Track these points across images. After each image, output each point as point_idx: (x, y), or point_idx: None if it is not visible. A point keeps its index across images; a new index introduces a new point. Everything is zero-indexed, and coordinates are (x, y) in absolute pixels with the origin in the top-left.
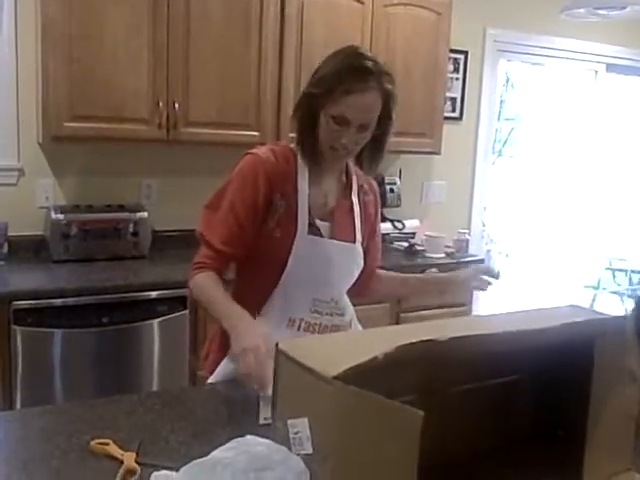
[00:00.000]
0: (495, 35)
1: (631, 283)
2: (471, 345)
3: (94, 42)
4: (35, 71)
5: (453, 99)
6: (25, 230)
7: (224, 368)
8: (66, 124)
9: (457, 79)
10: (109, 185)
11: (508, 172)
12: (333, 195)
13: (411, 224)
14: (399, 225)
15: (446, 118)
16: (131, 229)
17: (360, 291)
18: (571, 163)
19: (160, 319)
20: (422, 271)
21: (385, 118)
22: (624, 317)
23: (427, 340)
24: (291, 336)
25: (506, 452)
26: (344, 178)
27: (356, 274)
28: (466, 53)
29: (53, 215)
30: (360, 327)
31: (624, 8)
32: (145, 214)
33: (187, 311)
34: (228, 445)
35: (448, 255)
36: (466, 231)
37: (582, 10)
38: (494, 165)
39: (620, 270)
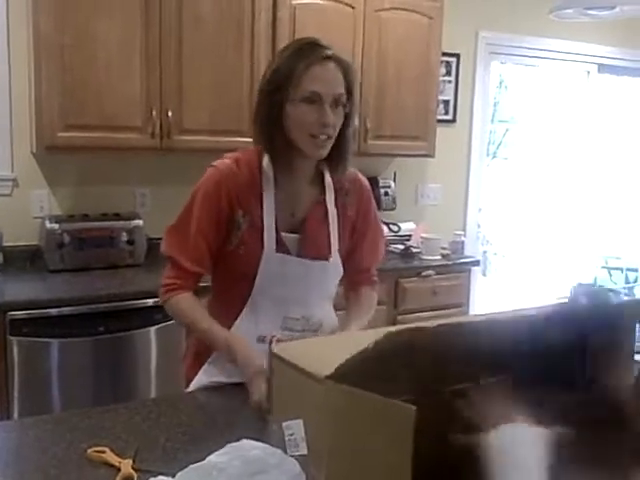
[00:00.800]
0: (487, 38)
1: (627, 281)
2: (461, 335)
3: (86, 52)
4: (28, 81)
5: (446, 102)
6: (20, 240)
7: (201, 379)
8: (59, 134)
9: (450, 82)
10: (104, 194)
11: (503, 174)
12: (304, 202)
13: (407, 227)
14: (395, 228)
15: (439, 121)
16: (126, 237)
17: (347, 291)
18: (565, 163)
19: (157, 327)
20: (418, 273)
21: (349, 99)
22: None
23: (415, 328)
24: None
25: None
26: (316, 183)
27: (333, 286)
28: (458, 56)
29: (48, 225)
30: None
31: (613, 8)
32: (140, 222)
33: None
34: (223, 450)
35: (444, 257)
36: (461, 233)
37: (571, 10)
38: (489, 167)
39: (616, 268)
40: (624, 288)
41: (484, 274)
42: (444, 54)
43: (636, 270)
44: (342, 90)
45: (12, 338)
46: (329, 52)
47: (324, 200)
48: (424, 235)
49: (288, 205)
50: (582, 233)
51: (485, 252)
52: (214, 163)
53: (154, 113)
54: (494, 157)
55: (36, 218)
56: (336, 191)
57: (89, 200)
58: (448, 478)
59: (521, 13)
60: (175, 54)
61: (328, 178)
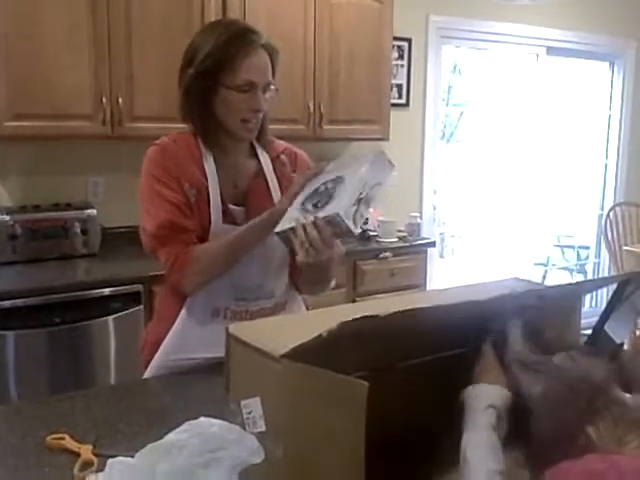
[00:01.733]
0: (437, 22)
1: (579, 258)
2: (415, 319)
3: (32, 40)
4: None
5: (399, 86)
6: None
7: (157, 361)
8: (7, 123)
9: (402, 66)
10: (55, 184)
11: (458, 156)
12: (244, 175)
13: None
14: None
15: (393, 105)
16: (80, 227)
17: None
18: (517, 145)
19: (114, 316)
20: (376, 256)
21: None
22: (559, 286)
23: (369, 316)
24: (217, 326)
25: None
26: (252, 156)
27: (281, 254)
28: (410, 40)
29: None
30: (303, 307)
31: None
32: (93, 211)
33: (142, 306)
34: (182, 427)
35: (400, 239)
36: (417, 215)
37: None
38: (444, 150)
39: (568, 247)
40: (576, 265)
41: (441, 256)
42: (396, 38)
43: (587, 248)
44: (271, 75)
45: None
46: (262, 40)
47: (262, 171)
48: (380, 218)
49: (230, 177)
50: (535, 213)
51: (442, 234)
52: (155, 142)
53: (104, 100)
54: (449, 140)
55: None
56: (273, 161)
57: (41, 191)
58: (401, 452)
59: None
60: (124, 40)
61: (261, 149)
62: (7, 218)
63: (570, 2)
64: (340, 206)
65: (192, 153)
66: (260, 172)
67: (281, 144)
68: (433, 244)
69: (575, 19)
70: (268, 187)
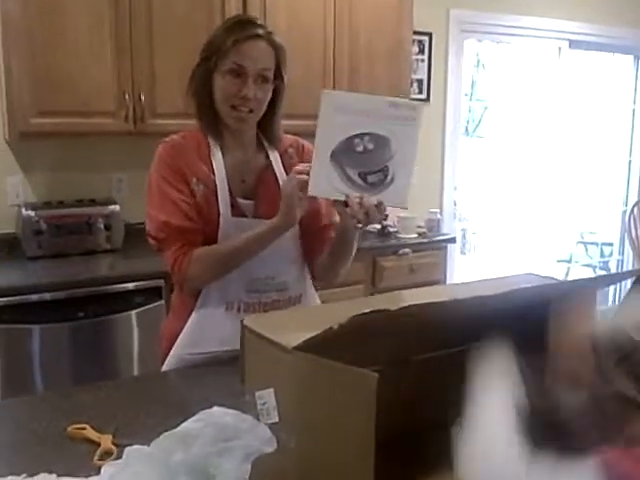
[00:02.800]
0: (458, 16)
1: (602, 255)
2: (425, 313)
3: (56, 37)
4: None
5: (420, 81)
6: None
7: (174, 356)
8: (32, 120)
9: (422, 61)
10: (80, 180)
11: (481, 152)
12: (252, 168)
13: None
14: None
15: (413, 100)
16: (103, 223)
17: (314, 253)
18: (540, 141)
19: (138, 310)
20: (395, 252)
21: (278, 77)
22: (574, 281)
23: (379, 310)
24: (231, 319)
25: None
26: (260, 151)
27: (292, 246)
28: (430, 35)
29: (24, 212)
30: (318, 301)
31: None
32: (117, 207)
33: (163, 301)
34: (196, 417)
35: (420, 235)
36: (437, 210)
37: None
38: (467, 145)
39: (591, 243)
40: (600, 262)
41: (463, 252)
42: (416, 33)
43: (611, 245)
44: (268, 65)
45: None
46: (260, 31)
47: (271, 165)
48: (400, 214)
49: (237, 171)
50: (558, 210)
51: (463, 230)
52: (164, 139)
53: (127, 97)
54: (472, 135)
55: (12, 206)
56: (281, 155)
57: (65, 186)
58: (414, 444)
59: None
60: (146, 37)
61: (267, 143)
62: (32, 214)
63: None
64: (402, 195)
65: (200, 149)
66: (269, 166)
67: (289, 138)
68: (453, 240)
69: (598, 12)
70: (277, 181)
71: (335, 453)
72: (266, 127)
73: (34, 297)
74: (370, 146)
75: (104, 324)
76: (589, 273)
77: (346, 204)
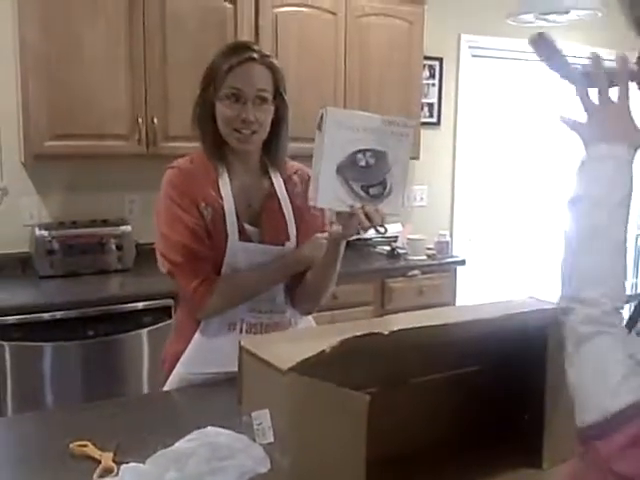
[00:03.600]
0: (470, 41)
1: None
2: (421, 337)
3: (72, 62)
4: (15, 92)
5: (430, 105)
6: (11, 248)
7: (176, 375)
8: (47, 143)
9: (433, 85)
10: (92, 201)
11: (490, 174)
12: (258, 197)
13: (393, 228)
14: (382, 229)
15: (424, 124)
16: (115, 243)
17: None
18: (548, 161)
19: (148, 329)
20: (404, 274)
21: (278, 98)
22: None
23: (371, 333)
24: (233, 340)
25: (472, 440)
26: (265, 177)
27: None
28: (441, 60)
29: (38, 232)
30: (313, 323)
31: (567, 13)
32: (129, 228)
33: (172, 320)
34: (190, 436)
35: (429, 257)
36: (446, 232)
37: (529, 16)
38: (479, 171)
39: None
40: None
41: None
42: (427, 58)
43: None
44: (266, 87)
45: (3, 343)
46: (254, 55)
47: (275, 191)
48: (409, 236)
49: (244, 196)
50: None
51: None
52: (171, 164)
53: (140, 121)
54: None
55: (26, 226)
56: (285, 182)
57: (78, 207)
58: (405, 464)
59: (503, 15)
60: (159, 63)
61: (274, 170)
62: (45, 234)
63: (610, 19)
64: (398, 205)
65: (207, 173)
66: (273, 193)
67: (294, 165)
68: (462, 262)
69: (611, 37)
70: (281, 207)
71: (327, 473)
72: (270, 150)
73: (46, 316)
74: (371, 161)
75: (114, 343)
76: None
77: (349, 214)
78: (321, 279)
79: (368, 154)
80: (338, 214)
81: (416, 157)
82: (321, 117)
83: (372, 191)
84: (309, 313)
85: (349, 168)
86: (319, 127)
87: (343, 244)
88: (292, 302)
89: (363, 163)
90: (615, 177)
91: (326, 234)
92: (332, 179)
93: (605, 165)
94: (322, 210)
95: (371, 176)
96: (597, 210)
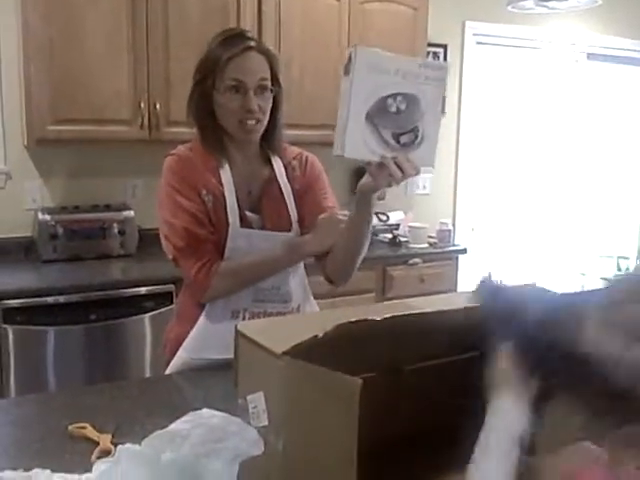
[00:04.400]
0: (474, 27)
1: (619, 269)
2: (414, 323)
3: (74, 46)
4: (18, 76)
5: None
6: (14, 232)
7: (179, 359)
8: (49, 127)
9: None
10: (95, 186)
11: (495, 163)
12: (257, 181)
13: (396, 216)
14: (383, 217)
15: None
16: (117, 228)
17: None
18: (556, 152)
19: (150, 314)
20: (406, 261)
21: (275, 84)
22: (571, 294)
23: (365, 319)
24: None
25: (467, 427)
26: (265, 163)
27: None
28: (445, 47)
29: (40, 216)
30: (318, 310)
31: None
32: (131, 213)
33: (174, 305)
34: (185, 417)
35: (431, 245)
36: (448, 221)
37: (530, 2)
38: (483, 157)
39: (607, 257)
40: (616, 276)
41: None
42: (431, 45)
43: (627, 258)
44: (265, 75)
45: (6, 326)
46: (251, 43)
47: (275, 177)
48: (411, 224)
49: (244, 183)
50: (574, 222)
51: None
52: (171, 152)
53: (142, 106)
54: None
55: (29, 210)
56: (285, 167)
57: (81, 192)
58: (400, 450)
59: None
60: (162, 48)
61: (274, 156)
62: (48, 218)
63: (611, 7)
64: (431, 156)
65: (208, 160)
66: (273, 178)
67: (294, 150)
68: (464, 251)
69: (616, 24)
70: (281, 192)
71: (320, 457)
72: (268, 135)
73: (49, 300)
74: (402, 106)
75: (116, 327)
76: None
77: (379, 164)
78: (353, 240)
79: (399, 99)
80: (368, 164)
81: None
82: (349, 59)
83: (403, 139)
84: (345, 281)
85: (379, 114)
86: (346, 71)
87: (374, 198)
88: (325, 273)
89: (394, 109)
90: None
91: (340, 212)
92: (361, 127)
93: None
94: (325, 187)
95: (402, 123)
96: None
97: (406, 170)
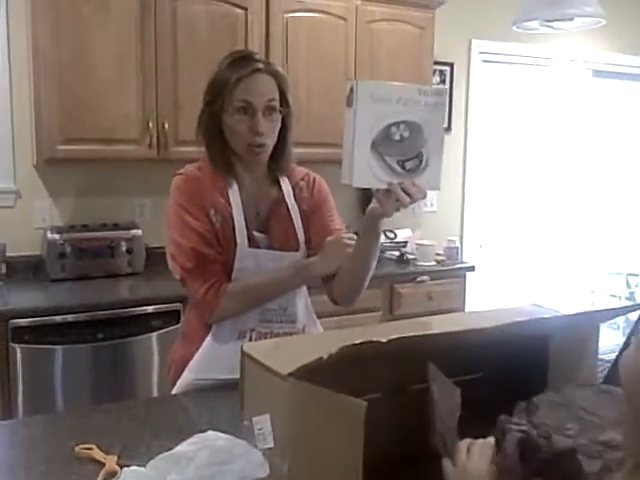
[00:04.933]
0: (481, 46)
1: (628, 286)
2: (421, 345)
3: (84, 67)
4: (28, 96)
5: None
6: (23, 251)
7: (185, 380)
8: (59, 147)
9: None
10: (104, 205)
11: (501, 178)
12: (265, 202)
13: (403, 234)
14: (391, 235)
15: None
16: (125, 247)
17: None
18: (564, 169)
19: (157, 333)
20: (413, 279)
21: (284, 105)
22: (578, 314)
23: (370, 341)
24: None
25: None
26: (273, 184)
27: None
28: (452, 65)
29: (49, 235)
30: (321, 330)
31: (571, 19)
32: (139, 231)
33: (180, 324)
34: (190, 440)
35: (439, 263)
36: (456, 239)
37: (534, 22)
38: (489, 174)
39: (616, 274)
40: (625, 293)
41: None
42: (437, 63)
43: (637, 275)
44: (274, 96)
45: (15, 345)
46: (260, 65)
47: (283, 197)
48: (419, 241)
49: (252, 204)
50: (582, 239)
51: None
52: (179, 171)
53: (151, 125)
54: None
55: (38, 229)
56: (293, 187)
57: (90, 211)
58: (404, 471)
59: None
60: (170, 67)
61: (282, 177)
62: (57, 237)
63: (616, 24)
64: (436, 178)
65: (216, 180)
66: (281, 199)
67: (301, 171)
68: (472, 268)
69: (621, 41)
70: (289, 213)
71: (325, 479)
72: (277, 156)
73: (57, 318)
74: (406, 134)
75: (123, 346)
76: (614, 304)
77: (387, 191)
78: (360, 264)
79: (402, 126)
80: (376, 192)
81: None
82: (350, 91)
83: (408, 165)
84: (350, 304)
85: (383, 143)
86: (349, 103)
87: (381, 224)
88: (331, 295)
89: (397, 137)
90: None
91: (347, 235)
92: (366, 156)
93: None
94: (332, 210)
95: (406, 150)
96: None
97: (413, 194)
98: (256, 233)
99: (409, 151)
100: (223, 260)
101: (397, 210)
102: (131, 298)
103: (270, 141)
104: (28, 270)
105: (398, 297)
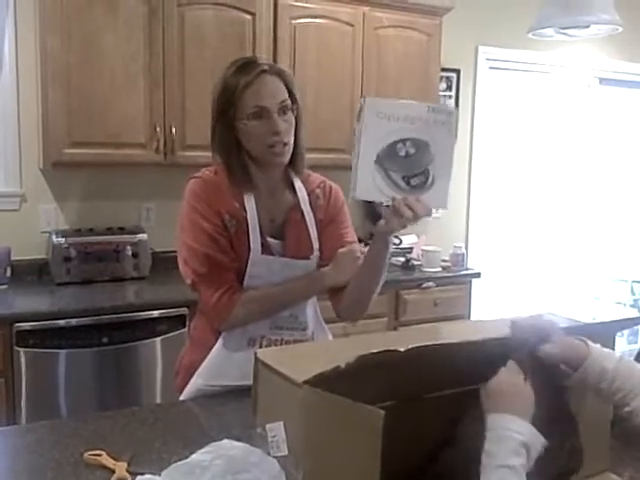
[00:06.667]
0: (487, 53)
1: (633, 293)
2: (438, 354)
3: (91, 71)
4: (35, 100)
5: None
6: (28, 254)
7: (193, 386)
8: (65, 150)
9: (450, 97)
10: (109, 209)
11: (507, 185)
12: (281, 208)
13: (408, 240)
14: (396, 241)
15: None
16: (131, 251)
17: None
18: (569, 176)
19: (162, 337)
20: (419, 285)
21: (293, 102)
22: (595, 324)
23: (387, 350)
24: (252, 355)
25: None
26: (288, 190)
27: None
28: (458, 71)
29: (54, 239)
30: (330, 337)
31: (587, 27)
32: (145, 236)
33: (186, 329)
34: (206, 449)
35: (444, 269)
36: (461, 245)
37: (550, 30)
38: (494, 181)
39: (622, 280)
40: (630, 300)
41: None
42: (444, 70)
43: None
44: (285, 96)
45: (19, 349)
46: (264, 67)
47: (298, 204)
48: (424, 247)
49: (267, 210)
50: (588, 246)
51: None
52: (195, 175)
53: (158, 129)
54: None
55: (43, 232)
56: (309, 194)
57: (95, 215)
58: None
59: (521, 27)
60: (178, 72)
61: (298, 182)
62: (62, 240)
63: (623, 32)
64: (444, 197)
65: (234, 187)
66: (297, 206)
67: (317, 178)
68: (478, 275)
69: (628, 49)
70: (305, 220)
71: None
72: (292, 155)
73: (61, 322)
74: (412, 151)
75: (128, 350)
76: (619, 311)
77: (393, 208)
78: (367, 279)
79: (408, 143)
80: (384, 208)
81: None
82: (360, 108)
83: (413, 182)
84: (354, 320)
85: (389, 158)
86: (358, 118)
87: (389, 240)
88: (337, 309)
89: (403, 153)
90: None
91: (359, 248)
92: (371, 170)
93: None
94: (347, 221)
95: (412, 166)
96: None
97: (417, 210)
98: (270, 239)
99: (414, 167)
100: (236, 267)
101: (403, 227)
102: (136, 302)
103: (290, 141)
104: (33, 274)
105: (404, 303)
